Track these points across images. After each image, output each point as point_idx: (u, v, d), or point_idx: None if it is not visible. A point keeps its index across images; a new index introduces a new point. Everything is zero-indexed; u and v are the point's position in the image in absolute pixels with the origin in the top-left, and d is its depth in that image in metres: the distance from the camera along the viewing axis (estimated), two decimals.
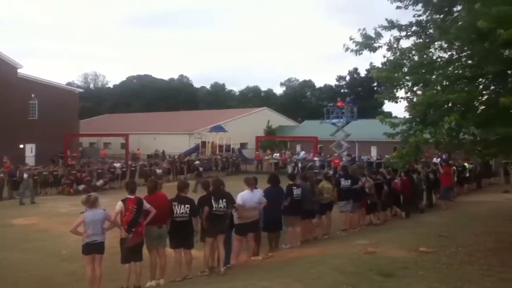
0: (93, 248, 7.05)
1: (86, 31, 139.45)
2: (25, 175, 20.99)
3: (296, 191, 9.88)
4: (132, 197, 7.26)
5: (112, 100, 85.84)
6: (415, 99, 8.79)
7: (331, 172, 17.94)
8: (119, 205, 7.20)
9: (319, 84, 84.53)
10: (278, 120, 55.81)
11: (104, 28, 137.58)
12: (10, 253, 11.21)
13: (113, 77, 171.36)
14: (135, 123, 55.86)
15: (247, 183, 8.87)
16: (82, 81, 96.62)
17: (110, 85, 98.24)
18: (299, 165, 29.95)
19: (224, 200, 7.94)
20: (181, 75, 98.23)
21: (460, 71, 8.45)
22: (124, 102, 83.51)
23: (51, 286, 8.80)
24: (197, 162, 29.10)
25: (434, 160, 22.67)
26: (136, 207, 7.10)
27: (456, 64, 8.53)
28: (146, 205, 7.23)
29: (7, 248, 11.72)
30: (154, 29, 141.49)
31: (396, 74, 8.67)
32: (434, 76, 8.46)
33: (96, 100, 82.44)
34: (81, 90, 52.25)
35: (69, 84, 71.22)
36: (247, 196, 8.60)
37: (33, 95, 39.37)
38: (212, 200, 7.83)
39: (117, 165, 27.07)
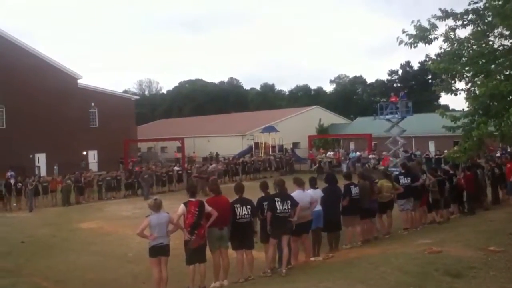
0: (159, 251, 7.27)
1: (136, 39, 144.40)
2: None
3: (354, 190, 9.73)
4: (193, 200, 7.44)
5: (165, 105, 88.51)
6: (476, 91, 8.41)
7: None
8: (181, 208, 7.39)
9: (370, 79, 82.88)
10: (329, 118, 55.20)
11: (155, 35, 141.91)
12: (79, 255, 11.84)
13: (167, 83, 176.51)
14: (189, 127, 57.16)
15: (297, 183, 8.75)
16: (137, 88, 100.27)
17: (164, 90, 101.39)
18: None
19: (289, 202, 7.89)
20: (231, 78, 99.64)
21: None
22: (177, 106, 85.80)
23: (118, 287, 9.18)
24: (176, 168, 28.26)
25: (498, 154, 21.59)
26: (198, 210, 7.27)
27: None
28: (208, 208, 7.37)
29: (75, 251, 12.39)
30: (203, 34, 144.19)
31: (454, 65, 8.36)
32: (494, 66, 8.10)
33: (151, 106, 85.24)
34: (137, 97, 54.19)
35: (125, 91, 74.14)
36: (299, 196, 8.45)
37: (92, 104, 41.37)
38: (277, 202, 7.81)
39: (176, 168, 27.87)
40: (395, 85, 72.30)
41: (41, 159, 36.81)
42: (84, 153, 39.54)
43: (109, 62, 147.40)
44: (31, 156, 36.09)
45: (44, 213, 20.22)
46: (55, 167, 33.40)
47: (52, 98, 36.56)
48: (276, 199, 7.86)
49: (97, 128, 41.38)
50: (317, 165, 30.80)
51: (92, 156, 40.71)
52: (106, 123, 41.08)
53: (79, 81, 40.58)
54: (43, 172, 33.74)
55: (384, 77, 77.80)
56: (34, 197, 21.77)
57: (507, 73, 8.02)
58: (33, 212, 20.61)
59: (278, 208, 7.78)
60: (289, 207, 7.88)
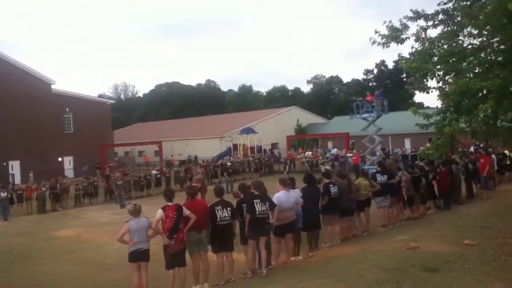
0: (139, 256, 7.22)
1: (113, 42, 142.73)
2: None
3: (333, 189, 9.81)
4: (171, 204, 7.41)
5: (142, 109, 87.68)
6: (447, 89, 8.61)
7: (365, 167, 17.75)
8: (159, 212, 7.36)
9: (346, 79, 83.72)
10: (307, 118, 55.57)
11: (130, 39, 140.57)
12: (56, 265, 11.57)
13: (143, 87, 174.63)
14: (167, 130, 56.77)
15: (282, 184, 8.80)
16: (112, 92, 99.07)
17: (140, 94, 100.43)
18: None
19: (267, 203, 7.94)
20: (208, 80, 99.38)
21: (493, 57, 8.25)
22: (154, 110, 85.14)
23: None
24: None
25: (471, 149, 22.08)
26: (176, 214, 7.24)
27: (488, 50, 8.34)
28: (186, 212, 7.36)
29: (52, 260, 12.10)
30: (179, 37, 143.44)
31: (426, 64, 8.53)
32: (465, 64, 8.29)
33: (127, 110, 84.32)
34: (113, 101, 53.58)
35: (100, 96, 73.30)
36: (283, 197, 8.54)
37: (67, 109, 40.72)
38: (256, 204, 7.84)
39: (154, 172, 27.63)
40: (370, 84, 73.29)
41: (15, 167, 36.01)
42: (60, 159, 38.83)
43: (83, 67, 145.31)
44: (4, 163, 35.26)
45: (19, 221, 19.73)
46: (30, 174, 32.72)
47: (25, 104, 35.82)
48: (255, 200, 7.89)
49: (72, 133, 40.72)
50: (284, 165, 31.23)
51: (68, 162, 40.01)
52: (82, 128, 40.47)
53: (52, 86, 39.84)
54: (18, 180, 33.00)
55: (360, 76, 78.90)
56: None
57: (477, 71, 8.21)
58: (7, 221, 20.10)
59: (257, 209, 7.81)
60: (268, 208, 7.92)
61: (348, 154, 31.27)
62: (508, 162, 18.58)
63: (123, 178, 23.31)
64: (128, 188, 23.81)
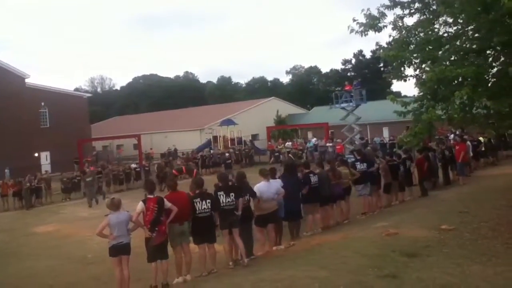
0: (120, 250, 7.16)
1: (88, 35, 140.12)
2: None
3: (313, 179, 9.91)
4: (152, 196, 7.36)
5: (120, 102, 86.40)
6: (424, 76, 8.73)
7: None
8: (140, 205, 7.30)
9: (325, 69, 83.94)
10: (287, 108, 55.62)
11: (106, 31, 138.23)
12: (37, 261, 11.46)
13: (120, 79, 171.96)
14: (146, 123, 56.12)
15: (262, 175, 8.89)
16: (89, 86, 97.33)
17: (117, 87, 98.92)
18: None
19: (232, 194, 7.93)
20: (187, 72, 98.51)
21: (468, 45, 8.40)
22: (133, 103, 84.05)
23: None
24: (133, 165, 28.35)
25: (451, 136, 22.46)
26: (157, 206, 7.20)
27: (463, 38, 8.48)
28: (167, 204, 7.32)
29: (33, 256, 11.99)
30: (156, 29, 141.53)
31: (403, 53, 8.63)
32: (441, 52, 8.42)
33: (104, 104, 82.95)
34: (89, 95, 52.49)
35: (76, 89, 71.96)
36: (264, 187, 8.62)
37: (42, 104, 39.80)
38: (220, 195, 7.88)
39: (133, 165, 27.35)
40: (349, 74, 73.71)
41: None
42: (36, 154, 38.05)
43: (58, 61, 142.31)
44: None
45: None
46: (6, 170, 32.02)
47: None
48: (219, 192, 7.94)
49: (49, 128, 39.87)
50: (276, 154, 31.13)
51: (45, 158, 39.26)
52: (58, 123, 39.65)
53: (27, 80, 38.92)
54: None
55: (339, 66, 79.26)
56: None
57: (452, 58, 8.34)
58: None
59: (222, 201, 7.85)
60: (233, 199, 7.93)
61: (328, 144, 31.47)
62: (483, 149, 19.00)
63: (92, 174, 22.45)
64: (96, 187, 22.48)
